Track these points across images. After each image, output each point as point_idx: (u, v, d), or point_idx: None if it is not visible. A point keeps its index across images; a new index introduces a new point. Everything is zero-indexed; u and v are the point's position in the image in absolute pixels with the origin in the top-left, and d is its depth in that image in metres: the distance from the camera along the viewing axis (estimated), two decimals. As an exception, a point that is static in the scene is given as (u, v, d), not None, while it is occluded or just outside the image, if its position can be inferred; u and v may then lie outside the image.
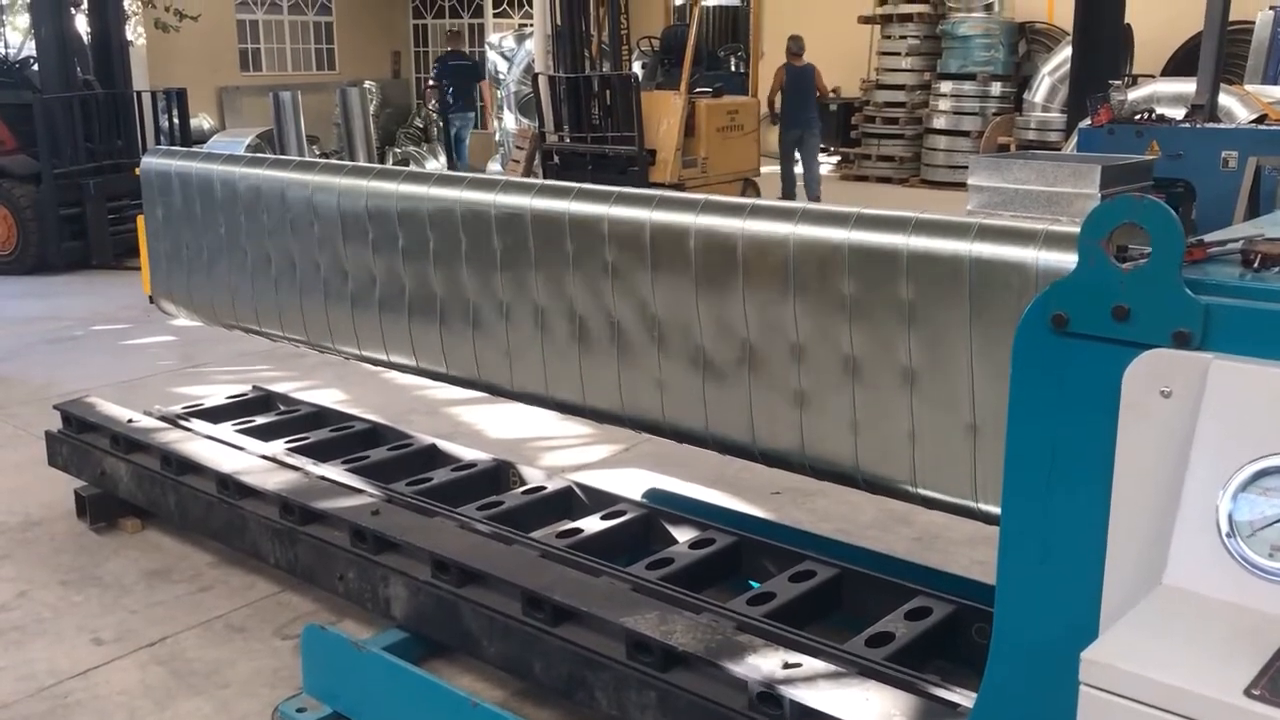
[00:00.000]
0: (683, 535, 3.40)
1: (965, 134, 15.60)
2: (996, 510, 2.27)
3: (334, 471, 3.78)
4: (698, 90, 12.22)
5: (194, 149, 4.63)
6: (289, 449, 4.01)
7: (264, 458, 3.92)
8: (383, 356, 3.68)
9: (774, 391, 2.71)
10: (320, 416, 4.50)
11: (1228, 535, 1.35)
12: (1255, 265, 1.56)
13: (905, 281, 2.43)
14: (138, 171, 4.38)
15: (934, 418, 2.45)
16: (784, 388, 2.68)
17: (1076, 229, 1.56)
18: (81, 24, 11.03)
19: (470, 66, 15.66)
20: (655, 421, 3.01)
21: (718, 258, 2.74)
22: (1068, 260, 2.08)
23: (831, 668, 2.55)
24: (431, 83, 14.87)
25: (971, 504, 2.44)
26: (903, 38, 16.34)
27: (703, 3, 12.66)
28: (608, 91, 11.35)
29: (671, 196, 2.95)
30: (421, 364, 3.56)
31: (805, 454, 2.70)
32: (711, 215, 2.77)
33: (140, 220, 4.43)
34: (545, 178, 11.86)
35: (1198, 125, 7.76)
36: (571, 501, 3.70)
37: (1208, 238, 1.68)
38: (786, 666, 2.52)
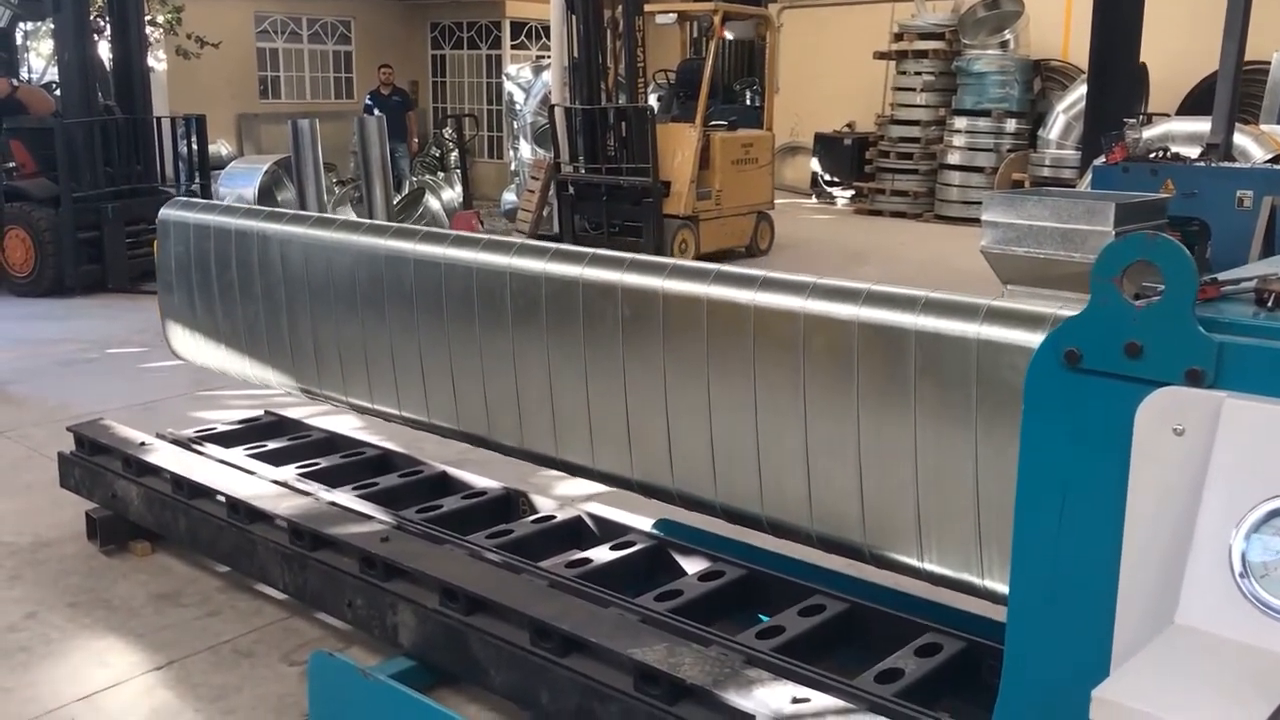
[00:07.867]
0: (692, 567, 3.39)
1: (980, 170, 15.64)
2: (1002, 588, 2.28)
3: (344, 497, 3.78)
4: (713, 123, 12.28)
5: (212, 201, 4.71)
6: (300, 474, 4.02)
7: (275, 483, 3.93)
8: (394, 411, 3.76)
9: (782, 463, 2.73)
10: (332, 442, 4.51)
11: (1240, 575, 1.34)
12: (1269, 304, 1.56)
13: (913, 358, 2.45)
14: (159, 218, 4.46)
15: (939, 496, 2.46)
16: (792, 460, 2.70)
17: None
18: (104, 50, 11.13)
19: (400, 101, 16.00)
20: (664, 488, 3.05)
21: (729, 329, 2.78)
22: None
23: (840, 703, 2.53)
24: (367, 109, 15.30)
25: (977, 581, 2.45)
26: (918, 74, 16.41)
27: (719, 37, 12.71)
28: (623, 123, 11.41)
29: (685, 266, 2.98)
30: (434, 420, 3.65)
31: (813, 527, 2.73)
32: (723, 286, 2.81)
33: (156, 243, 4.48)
34: (560, 208, 11.93)
35: (1212, 164, 7.74)
36: (581, 531, 3.69)
37: (1221, 276, 1.68)
38: (795, 701, 2.50)
